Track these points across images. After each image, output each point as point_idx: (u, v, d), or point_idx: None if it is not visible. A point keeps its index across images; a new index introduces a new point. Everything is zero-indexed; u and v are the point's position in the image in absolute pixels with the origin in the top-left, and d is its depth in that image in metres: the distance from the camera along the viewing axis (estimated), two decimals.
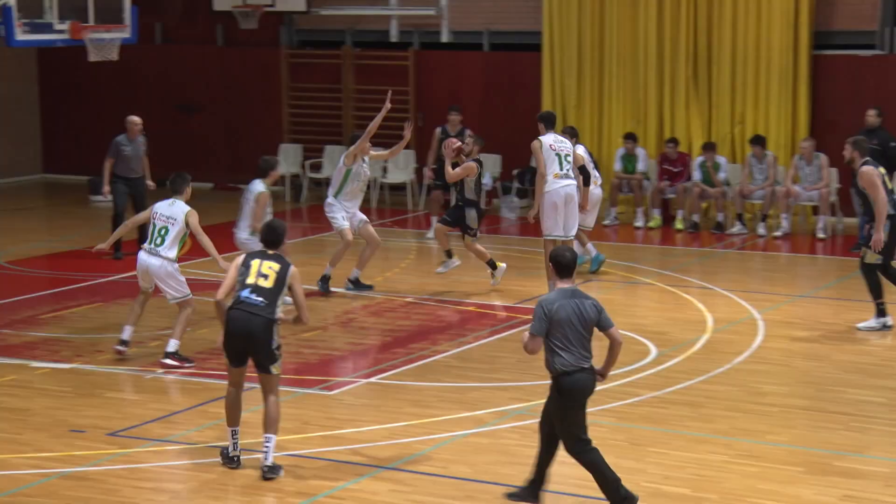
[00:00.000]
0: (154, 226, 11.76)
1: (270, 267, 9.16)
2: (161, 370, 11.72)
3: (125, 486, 9.02)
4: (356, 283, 14.78)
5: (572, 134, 15.12)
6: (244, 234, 13.48)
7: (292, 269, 9.25)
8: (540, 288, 15.24)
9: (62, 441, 9.81)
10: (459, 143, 14.94)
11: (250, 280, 9.11)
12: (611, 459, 9.54)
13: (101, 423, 10.31)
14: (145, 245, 11.82)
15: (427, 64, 21.53)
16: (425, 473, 9.22)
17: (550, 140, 14.31)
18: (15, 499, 8.71)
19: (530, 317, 13.48)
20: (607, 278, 15.73)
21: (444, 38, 21.42)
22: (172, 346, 11.75)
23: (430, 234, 17.55)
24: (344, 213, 14.67)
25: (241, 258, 9.31)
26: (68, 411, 10.56)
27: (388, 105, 14.89)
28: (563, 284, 8.44)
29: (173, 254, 11.72)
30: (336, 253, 14.66)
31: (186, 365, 11.68)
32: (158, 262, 11.70)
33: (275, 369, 9.15)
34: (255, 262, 9.19)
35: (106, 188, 16.13)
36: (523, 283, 15.49)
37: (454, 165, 14.70)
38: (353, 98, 21.91)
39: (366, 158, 14.84)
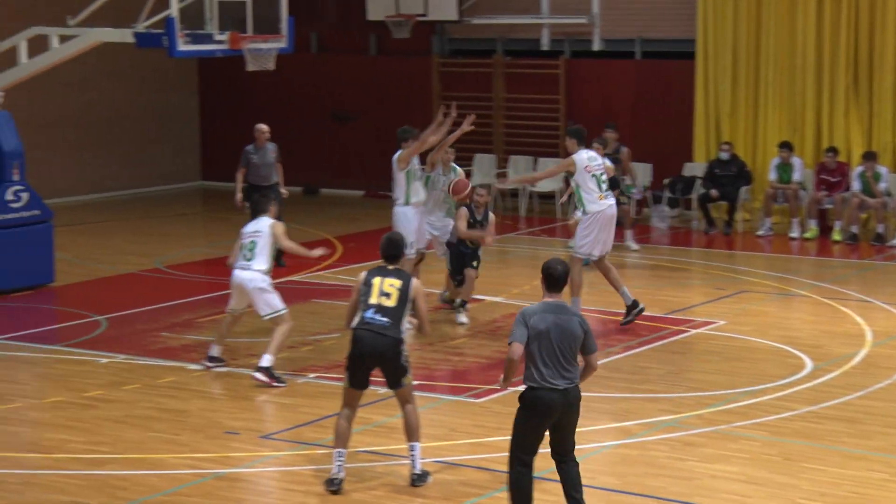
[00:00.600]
0: (242, 245, 11.69)
1: (392, 284, 9.05)
2: (312, 374, 11.89)
3: (277, 488, 9.17)
4: None
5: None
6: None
7: (414, 282, 9.14)
8: (690, 297, 15.05)
9: (217, 442, 10.02)
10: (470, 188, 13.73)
11: (373, 300, 9.03)
12: (762, 474, 9.35)
13: (254, 425, 10.50)
14: (237, 263, 11.70)
15: (578, 72, 21.45)
16: None
17: (585, 161, 13.47)
18: (172, 498, 8.93)
19: (680, 327, 13.50)
20: (761, 289, 15.44)
21: (596, 46, 21.32)
22: (266, 361, 11.49)
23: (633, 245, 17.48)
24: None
25: (361, 276, 9.18)
26: (223, 413, 10.79)
27: (465, 127, 13.94)
28: (550, 298, 8.05)
29: (265, 266, 11.64)
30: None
31: (276, 384, 11.42)
32: (250, 275, 11.57)
33: (406, 381, 9.13)
34: (376, 281, 9.07)
35: (238, 196, 16.08)
36: (674, 294, 15.30)
37: (468, 207, 13.53)
38: (503, 107, 21.94)
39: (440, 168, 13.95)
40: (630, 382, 11.69)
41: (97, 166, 22.57)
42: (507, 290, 15.42)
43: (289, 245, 11.77)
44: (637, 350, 12.77)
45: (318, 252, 11.99)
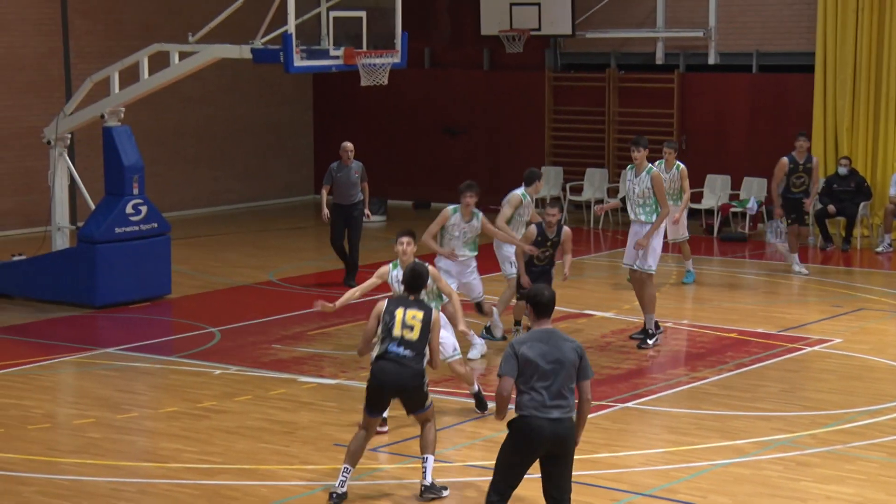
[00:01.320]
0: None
1: (414, 317, 9.03)
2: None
3: (387, 500, 9.20)
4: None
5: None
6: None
7: (434, 315, 9.15)
8: (805, 315, 14.80)
9: (327, 455, 10.10)
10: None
11: (396, 332, 9.01)
12: (880, 497, 9.15)
13: None
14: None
15: (692, 86, 21.27)
16: (682, 502, 9.05)
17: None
18: None
19: (795, 345, 13.27)
20: (879, 307, 15.12)
21: (711, 59, 21.12)
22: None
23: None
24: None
25: (382, 305, 9.17)
26: (333, 426, 10.88)
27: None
28: (539, 325, 7.77)
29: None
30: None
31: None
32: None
33: (427, 403, 9.19)
34: (398, 313, 9.05)
35: (325, 211, 16.18)
36: (788, 311, 15.07)
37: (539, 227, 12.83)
38: (616, 121, 21.84)
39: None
40: (743, 400, 11.52)
41: (213, 180, 22.94)
42: (619, 305, 15.32)
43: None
44: (750, 367, 12.59)
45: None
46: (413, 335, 9.03)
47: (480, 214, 12.99)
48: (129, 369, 12.59)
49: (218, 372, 12.47)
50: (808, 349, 13.25)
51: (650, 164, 13.32)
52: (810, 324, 14.35)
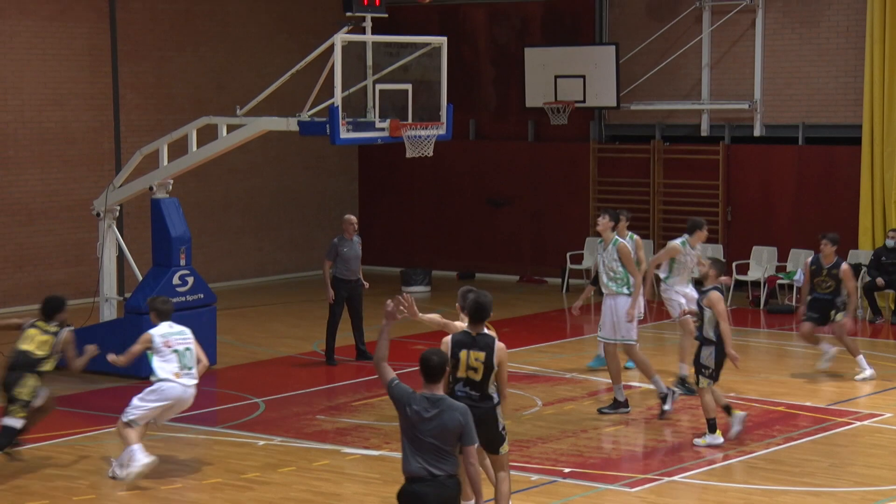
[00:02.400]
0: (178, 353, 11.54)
1: (477, 358, 9.15)
2: None
3: None
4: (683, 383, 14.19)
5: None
6: (673, 286, 14.07)
7: (497, 347, 9.20)
8: (854, 388, 14.63)
9: None
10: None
11: (461, 374, 9.17)
12: None
13: None
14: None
15: (738, 158, 21.25)
16: None
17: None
18: None
19: (844, 419, 13.10)
20: None
21: (757, 131, 21.13)
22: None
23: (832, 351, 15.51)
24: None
25: (448, 343, 9.20)
26: (376, 497, 10.85)
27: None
28: (427, 390, 7.77)
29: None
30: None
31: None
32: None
33: (503, 449, 9.29)
34: (462, 355, 9.16)
35: (330, 293, 15.74)
36: (837, 384, 14.91)
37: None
38: (661, 192, 21.83)
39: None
40: (791, 475, 11.39)
41: (259, 251, 23.09)
42: (664, 377, 15.19)
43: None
44: (798, 441, 12.46)
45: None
46: (477, 376, 9.17)
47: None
48: (173, 440, 12.64)
49: (262, 443, 12.49)
50: (858, 423, 13.09)
51: (616, 236, 13.43)
52: (860, 398, 14.20)
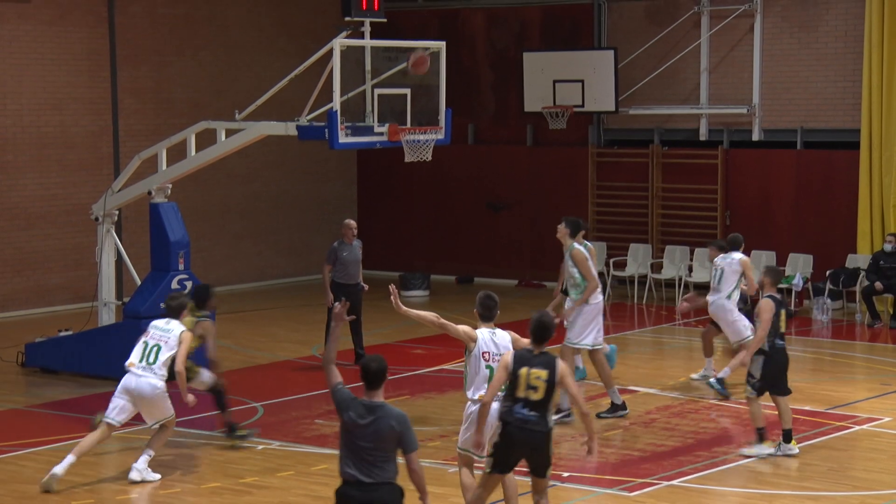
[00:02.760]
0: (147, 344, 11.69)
1: (538, 377, 8.97)
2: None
3: None
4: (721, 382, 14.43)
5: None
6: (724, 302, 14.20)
7: (559, 367, 9.05)
8: (853, 393, 14.64)
9: None
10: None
11: (520, 394, 8.98)
12: None
13: None
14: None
15: (736, 162, 21.26)
16: None
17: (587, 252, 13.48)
18: None
19: (842, 423, 13.10)
20: None
21: (756, 136, 21.14)
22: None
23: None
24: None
25: (509, 360, 9.08)
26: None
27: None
28: (367, 397, 7.75)
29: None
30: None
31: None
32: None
33: (549, 473, 9.19)
34: (522, 373, 8.99)
35: (330, 297, 15.66)
36: (835, 388, 14.92)
37: None
38: (659, 196, 21.84)
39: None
40: (790, 479, 11.39)
41: (258, 255, 23.09)
42: (662, 381, 15.23)
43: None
44: (798, 446, 12.39)
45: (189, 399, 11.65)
46: (537, 395, 8.99)
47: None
48: (171, 444, 12.59)
49: (261, 447, 12.48)
50: (857, 427, 13.09)
51: (573, 243, 13.34)
52: (858, 402, 14.20)
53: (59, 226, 20.28)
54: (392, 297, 9.54)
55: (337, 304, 8.35)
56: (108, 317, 16.23)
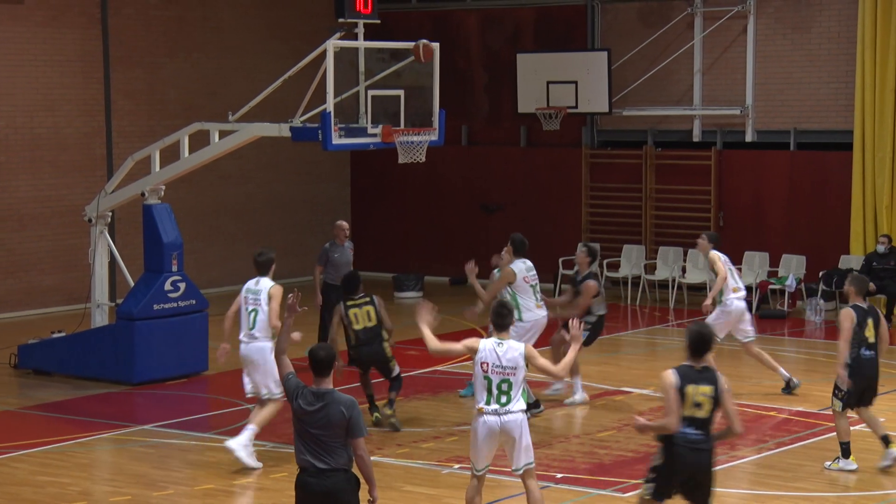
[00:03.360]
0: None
1: (703, 393, 8.54)
2: (457, 465, 11.88)
3: None
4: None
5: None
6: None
7: (721, 381, 8.58)
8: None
9: None
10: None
11: (687, 412, 8.53)
12: None
13: None
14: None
15: (730, 163, 21.26)
16: None
17: (523, 272, 13.66)
18: None
19: (834, 424, 13.09)
20: None
21: (749, 137, 21.15)
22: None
23: None
24: None
25: (673, 381, 8.59)
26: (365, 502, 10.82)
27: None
28: (315, 385, 7.94)
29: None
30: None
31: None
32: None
33: (711, 502, 8.67)
34: (689, 390, 8.56)
35: (319, 298, 15.66)
36: (828, 389, 14.84)
37: None
38: (653, 198, 21.85)
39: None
40: (783, 480, 11.40)
41: (251, 256, 23.01)
42: (656, 383, 15.19)
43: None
44: (790, 447, 12.48)
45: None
46: (702, 413, 8.54)
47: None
48: (165, 446, 12.62)
49: (254, 449, 12.46)
50: (850, 428, 13.08)
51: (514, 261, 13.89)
52: None
53: (52, 227, 20.26)
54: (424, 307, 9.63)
55: (290, 295, 8.42)
56: (101, 318, 16.21)
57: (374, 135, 14.68)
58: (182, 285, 15.59)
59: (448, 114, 15.66)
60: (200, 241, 21.68)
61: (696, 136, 21.61)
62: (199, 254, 21.34)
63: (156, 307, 15.34)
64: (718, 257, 14.69)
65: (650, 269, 21.41)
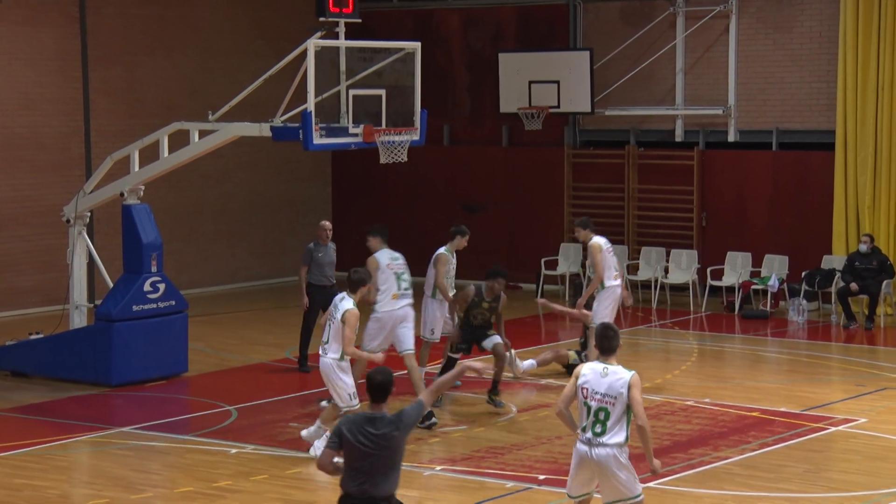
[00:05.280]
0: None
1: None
2: (439, 468, 11.84)
3: None
4: None
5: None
6: None
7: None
8: (828, 394, 14.67)
9: None
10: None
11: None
12: None
13: None
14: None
15: (712, 163, 21.27)
16: None
17: (387, 259, 13.73)
18: None
19: (818, 424, 13.13)
20: None
21: (731, 137, 21.16)
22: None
23: None
24: None
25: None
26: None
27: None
28: (369, 409, 7.58)
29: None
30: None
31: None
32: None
33: None
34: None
35: (305, 300, 15.71)
36: (811, 390, 14.93)
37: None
38: (635, 197, 21.83)
39: None
40: (766, 481, 11.39)
41: (232, 257, 22.98)
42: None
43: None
44: (773, 447, 12.46)
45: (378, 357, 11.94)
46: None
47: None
48: (144, 448, 12.55)
49: (234, 451, 12.42)
50: (833, 429, 13.11)
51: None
52: (834, 403, 14.22)
53: (30, 227, 20.12)
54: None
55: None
56: (79, 320, 16.12)
57: (356, 134, 14.62)
58: (161, 286, 15.51)
59: (430, 113, 15.61)
60: (180, 241, 21.58)
61: (679, 136, 21.62)
62: (178, 254, 21.24)
63: (135, 308, 15.26)
64: (599, 247, 15.02)
65: (633, 269, 21.40)
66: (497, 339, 14.12)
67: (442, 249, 14.66)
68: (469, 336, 14.18)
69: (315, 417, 13.69)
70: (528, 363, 15.35)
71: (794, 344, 17.87)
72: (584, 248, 15.74)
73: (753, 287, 20.16)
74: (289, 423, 13.52)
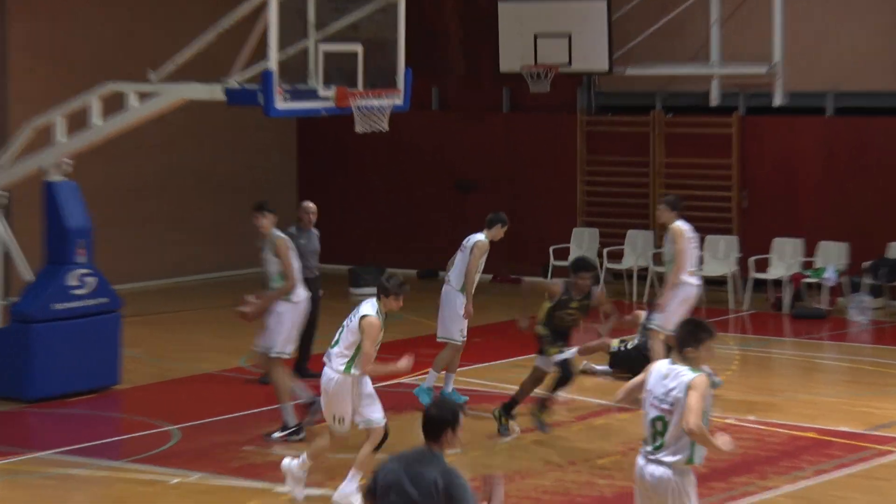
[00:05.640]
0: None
1: None
2: None
3: None
4: None
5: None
6: None
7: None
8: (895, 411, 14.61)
9: None
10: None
11: None
12: None
13: None
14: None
15: (754, 131, 21.35)
16: None
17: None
18: None
19: (886, 447, 12.96)
20: None
21: (778, 100, 21.16)
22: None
23: None
24: None
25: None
26: None
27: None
28: (423, 446, 7.24)
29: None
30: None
31: None
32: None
33: None
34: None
35: None
36: (877, 405, 14.95)
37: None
38: (661, 173, 21.88)
39: None
40: None
41: (176, 245, 23.08)
42: None
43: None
44: (832, 475, 12.38)
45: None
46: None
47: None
48: (66, 477, 12.43)
49: (176, 480, 12.29)
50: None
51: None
52: None
53: None
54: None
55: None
56: None
57: (327, 98, 14.67)
58: (91, 280, 15.48)
59: (415, 73, 15.59)
60: (114, 226, 21.45)
61: (715, 100, 21.68)
62: (111, 242, 21.05)
63: (58, 307, 15.26)
64: (682, 233, 14.90)
65: (659, 259, 21.24)
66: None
67: (481, 236, 14.86)
68: (557, 338, 13.79)
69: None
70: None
71: (856, 349, 17.92)
72: (660, 233, 15.52)
73: (806, 280, 20.22)
74: (242, 446, 13.40)
